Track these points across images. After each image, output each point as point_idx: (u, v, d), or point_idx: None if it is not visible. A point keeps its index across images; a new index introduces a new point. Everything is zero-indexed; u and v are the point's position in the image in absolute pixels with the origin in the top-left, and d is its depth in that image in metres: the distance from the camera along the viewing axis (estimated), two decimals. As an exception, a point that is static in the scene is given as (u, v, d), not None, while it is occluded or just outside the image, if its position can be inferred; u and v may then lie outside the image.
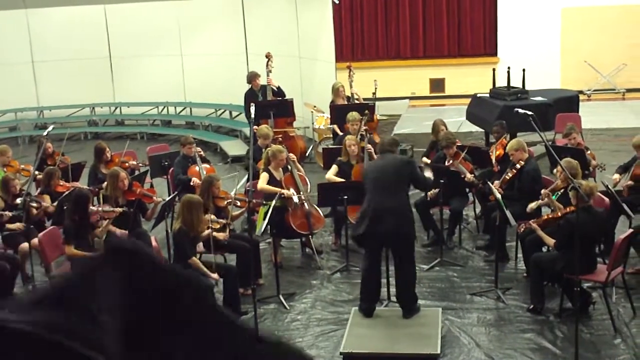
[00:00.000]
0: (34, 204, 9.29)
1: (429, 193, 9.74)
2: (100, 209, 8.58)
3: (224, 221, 8.75)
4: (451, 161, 10.02)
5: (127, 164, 11.02)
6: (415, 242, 8.20)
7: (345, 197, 9.26)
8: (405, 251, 7.88)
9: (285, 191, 9.44)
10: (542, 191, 8.65)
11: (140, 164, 11.45)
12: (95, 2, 18.07)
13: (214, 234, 8.42)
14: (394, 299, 8.20)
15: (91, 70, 18.42)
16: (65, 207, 8.79)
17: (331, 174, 10.10)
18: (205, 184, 8.91)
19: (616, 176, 9.73)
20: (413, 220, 8.04)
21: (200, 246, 8.50)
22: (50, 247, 8.50)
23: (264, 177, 9.58)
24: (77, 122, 18.87)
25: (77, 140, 17.52)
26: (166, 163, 10.96)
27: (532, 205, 8.63)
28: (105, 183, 9.40)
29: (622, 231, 8.20)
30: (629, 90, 19.95)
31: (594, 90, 20.06)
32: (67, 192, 9.54)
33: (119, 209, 8.77)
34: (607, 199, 8.70)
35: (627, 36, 19.74)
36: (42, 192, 10.03)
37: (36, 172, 10.41)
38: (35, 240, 8.56)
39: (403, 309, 7.89)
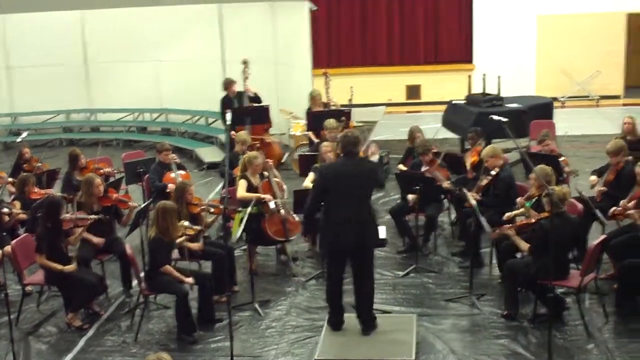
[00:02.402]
0: (5, 210, 9.22)
1: (409, 197, 9.72)
2: (74, 216, 8.50)
3: (198, 227, 8.71)
4: (427, 168, 10.06)
5: (101, 171, 10.95)
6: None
7: (322, 203, 9.23)
8: (369, 263, 7.75)
9: (265, 195, 9.44)
10: (518, 199, 8.69)
11: (115, 171, 11.39)
12: (71, 8, 17.96)
13: (188, 244, 8.39)
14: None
15: (67, 76, 18.34)
16: (38, 215, 8.71)
17: (309, 182, 10.09)
18: (178, 191, 8.87)
19: (593, 177, 9.80)
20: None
21: (175, 253, 8.47)
22: (23, 254, 8.42)
23: (242, 184, 9.54)
24: (52, 128, 18.78)
25: (51, 147, 17.41)
26: (141, 170, 10.89)
27: (509, 214, 8.65)
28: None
29: (595, 237, 8.25)
30: (603, 97, 20.16)
31: (569, 97, 20.23)
32: (40, 199, 9.47)
33: (93, 216, 8.69)
34: (580, 205, 8.76)
35: (601, 44, 19.95)
36: (16, 198, 9.96)
37: (9, 179, 10.35)
38: (8, 248, 8.48)
39: (364, 324, 7.73)
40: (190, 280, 8.05)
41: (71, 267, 8.16)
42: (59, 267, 8.11)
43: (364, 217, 7.50)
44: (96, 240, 8.85)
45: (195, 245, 8.57)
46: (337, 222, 7.45)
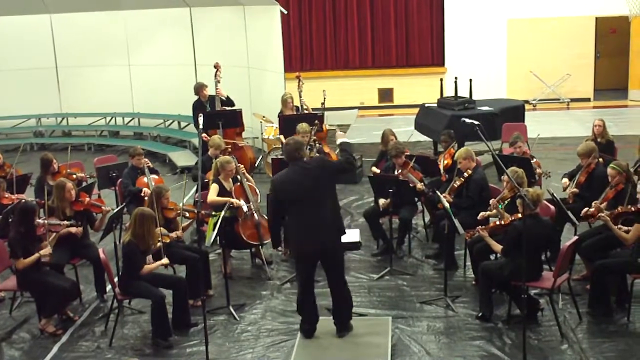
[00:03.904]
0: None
1: (380, 202, 9.76)
2: (46, 221, 8.43)
3: (174, 235, 8.69)
4: (400, 170, 10.09)
5: (74, 176, 10.86)
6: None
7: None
8: (340, 265, 7.68)
9: (234, 200, 9.42)
10: (491, 201, 8.75)
11: (88, 176, 11.30)
12: (40, 12, 17.83)
13: (166, 238, 8.38)
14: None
15: (37, 81, 18.18)
16: (10, 220, 8.63)
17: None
18: (154, 195, 8.83)
19: (565, 180, 9.89)
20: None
21: (149, 258, 8.41)
22: (-6, 260, 8.36)
23: (214, 188, 9.54)
24: (22, 133, 18.61)
25: (22, 152, 17.21)
26: (114, 174, 10.83)
27: (484, 214, 8.69)
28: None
29: (568, 238, 8.32)
30: (573, 100, 20.36)
31: (540, 100, 20.41)
32: (12, 205, 9.37)
33: (66, 222, 8.63)
34: (552, 207, 8.84)
35: (571, 47, 20.16)
36: (-13, 204, 9.85)
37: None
38: (-21, 254, 8.39)
39: (339, 326, 7.73)
40: (165, 260, 8.05)
41: (47, 250, 8.08)
42: (36, 255, 8.04)
43: (327, 220, 7.41)
44: (75, 229, 8.76)
45: (173, 234, 8.62)
46: (301, 229, 7.42)
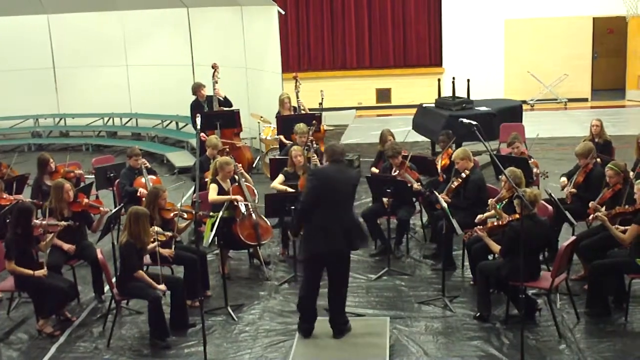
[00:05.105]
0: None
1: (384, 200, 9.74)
2: (44, 222, 8.41)
3: (170, 234, 8.66)
4: (398, 171, 10.09)
5: (72, 174, 10.86)
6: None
7: (293, 207, 9.20)
8: (347, 270, 7.77)
9: (238, 196, 9.42)
10: (489, 201, 8.75)
11: (86, 175, 11.29)
12: (38, 12, 17.82)
13: (159, 250, 8.33)
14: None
15: (35, 81, 18.18)
16: (7, 221, 8.62)
17: (277, 183, 10.11)
18: (151, 196, 8.83)
19: (563, 179, 9.89)
20: None
21: (146, 258, 8.42)
22: (-8, 261, 8.34)
23: (213, 188, 9.53)
24: (20, 133, 18.60)
25: (20, 152, 17.24)
26: (112, 175, 10.83)
27: (481, 216, 8.70)
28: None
29: (566, 238, 8.32)
30: (571, 100, 20.37)
31: (537, 100, 20.42)
32: (9, 205, 9.36)
33: (64, 222, 8.60)
34: (550, 207, 8.84)
35: (569, 47, 20.19)
36: (-16, 205, 9.83)
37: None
38: (-23, 255, 8.37)
39: (334, 329, 7.75)
40: (162, 287, 8.00)
41: (42, 271, 8.07)
42: (30, 272, 8.02)
43: (349, 226, 7.52)
44: (67, 247, 8.76)
45: (165, 251, 8.50)
46: (326, 227, 7.43)
